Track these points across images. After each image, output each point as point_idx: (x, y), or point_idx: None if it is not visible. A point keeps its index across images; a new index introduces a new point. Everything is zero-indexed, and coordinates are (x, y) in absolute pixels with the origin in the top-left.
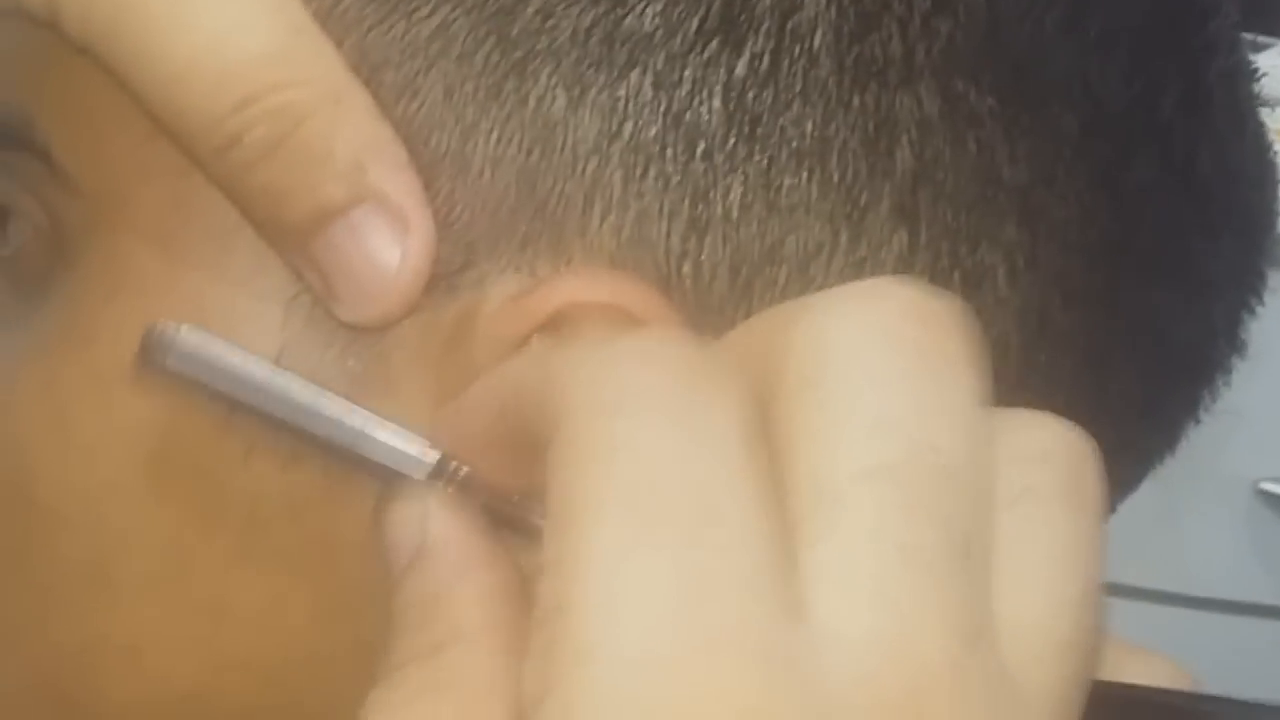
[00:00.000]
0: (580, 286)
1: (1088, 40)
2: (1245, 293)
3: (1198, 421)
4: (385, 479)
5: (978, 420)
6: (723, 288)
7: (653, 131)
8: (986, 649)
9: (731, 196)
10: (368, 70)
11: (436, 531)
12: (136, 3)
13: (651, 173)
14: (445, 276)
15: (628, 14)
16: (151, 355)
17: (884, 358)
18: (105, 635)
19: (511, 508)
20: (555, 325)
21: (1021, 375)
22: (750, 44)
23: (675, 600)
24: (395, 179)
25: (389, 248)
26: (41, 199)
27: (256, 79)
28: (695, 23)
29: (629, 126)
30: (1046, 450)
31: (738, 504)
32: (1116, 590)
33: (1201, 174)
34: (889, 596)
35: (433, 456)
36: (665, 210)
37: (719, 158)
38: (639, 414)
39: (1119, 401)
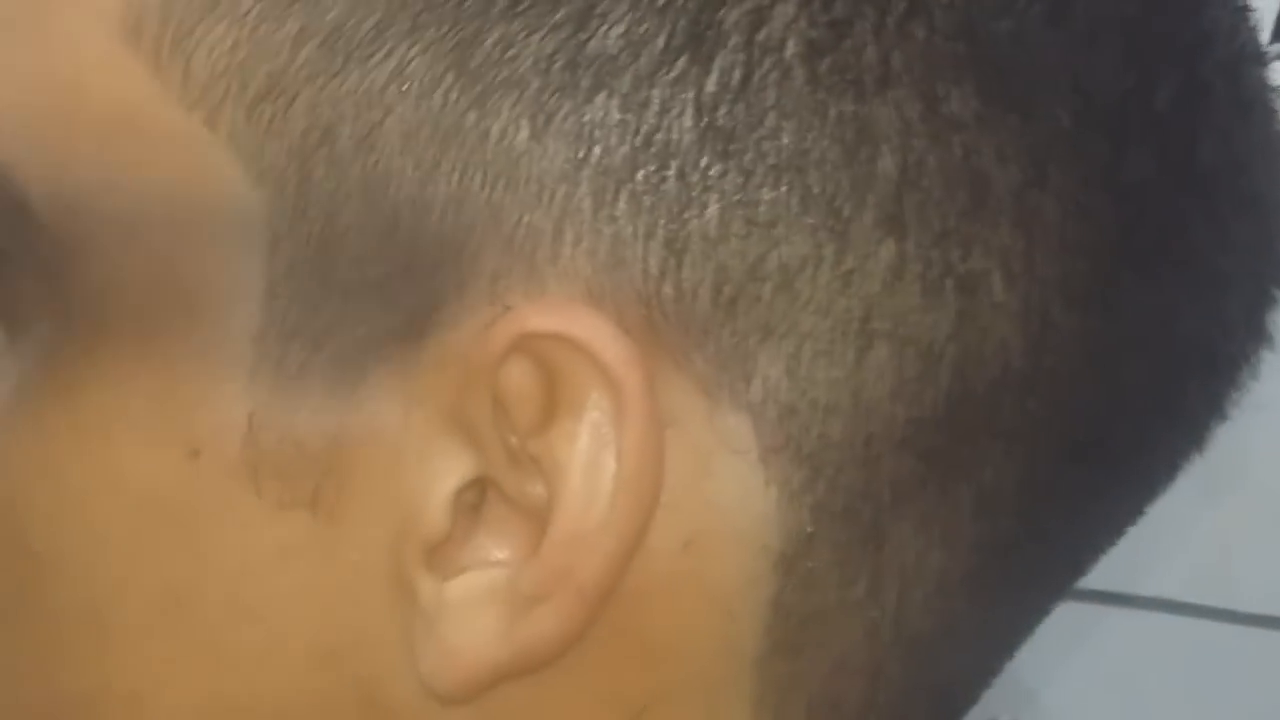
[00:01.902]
0: (533, 315)
1: (1075, 33)
2: (1265, 281)
3: (1225, 418)
4: None
5: None
6: (705, 307)
7: (622, 154)
8: None
9: (709, 215)
10: (320, 132)
11: None
12: None
13: (623, 196)
14: (415, 325)
15: (591, 37)
16: None
17: None
18: (106, 684)
19: None
20: (519, 352)
21: (1027, 380)
22: (719, 59)
23: None
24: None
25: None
26: (27, 246)
27: None
28: (661, 41)
29: (597, 151)
30: None
31: None
32: (1161, 605)
33: (1203, 165)
34: None
35: None
36: (641, 232)
37: (693, 176)
38: None
39: (1135, 401)
